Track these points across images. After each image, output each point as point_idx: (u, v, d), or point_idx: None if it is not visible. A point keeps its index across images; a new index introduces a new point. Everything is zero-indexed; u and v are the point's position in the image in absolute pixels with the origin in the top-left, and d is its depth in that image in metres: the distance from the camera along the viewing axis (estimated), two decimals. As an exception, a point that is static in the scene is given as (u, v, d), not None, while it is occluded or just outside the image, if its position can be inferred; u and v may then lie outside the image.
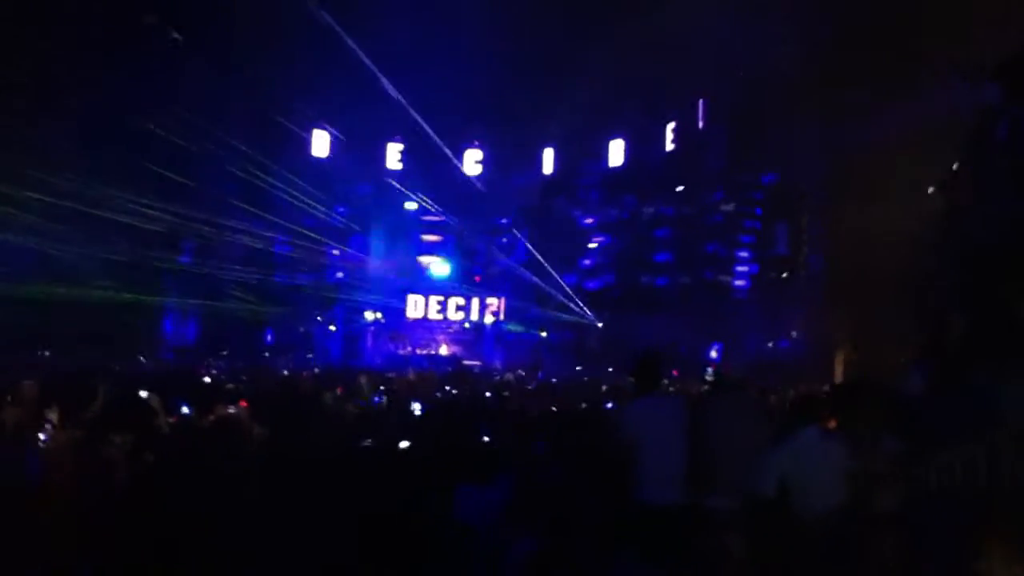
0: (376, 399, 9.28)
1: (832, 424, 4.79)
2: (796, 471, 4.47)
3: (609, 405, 9.69)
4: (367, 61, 22.45)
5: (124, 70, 19.07)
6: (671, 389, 12.96)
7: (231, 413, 5.37)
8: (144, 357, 19.56)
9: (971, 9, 12.00)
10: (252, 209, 24.49)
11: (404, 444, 5.63)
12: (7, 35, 16.43)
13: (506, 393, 12.27)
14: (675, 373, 17.93)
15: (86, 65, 18.27)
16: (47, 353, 19.09)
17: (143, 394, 6.09)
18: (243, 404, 6.04)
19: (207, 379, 12.30)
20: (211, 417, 5.50)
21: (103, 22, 18.91)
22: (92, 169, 18.69)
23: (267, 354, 26.06)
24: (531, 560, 3.86)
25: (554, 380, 18.43)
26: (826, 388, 9.49)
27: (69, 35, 18.03)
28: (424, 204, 28.08)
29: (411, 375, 15.39)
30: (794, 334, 23.96)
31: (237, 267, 24.75)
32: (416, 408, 8.50)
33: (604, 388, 13.99)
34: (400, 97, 24.68)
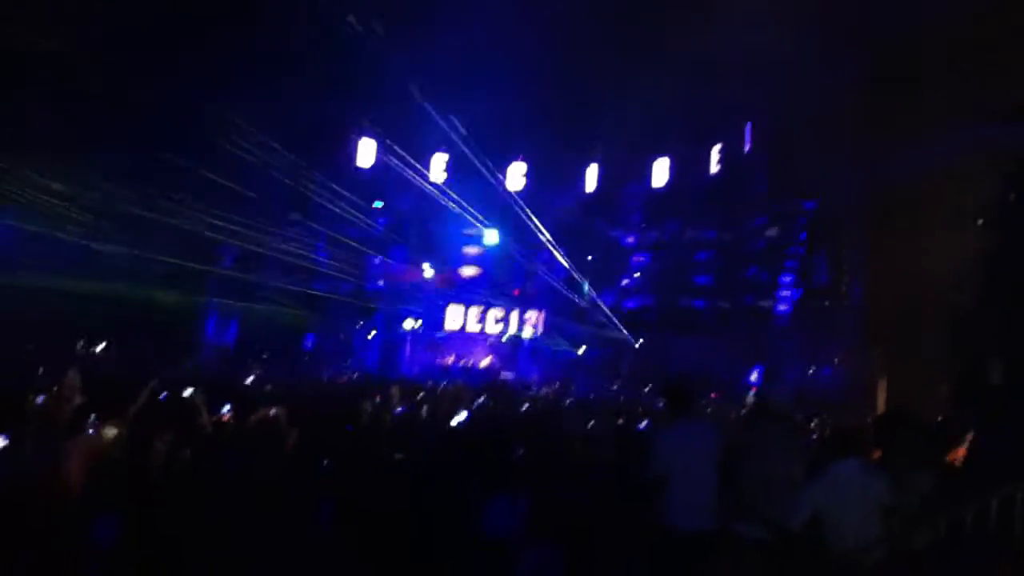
0: (400, 409, 9.28)
1: (875, 455, 4.71)
2: (831, 504, 4.41)
3: (642, 425, 9.66)
4: (415, 72, 22.70)
5: (176, 78, 19.43)
6: (708, 411, 12.86)
7: (271, 415, 5.45)
8: (186, 359, 19.88)
9: (1015, 45, 11.82)
10: (297, 215, 24.81)
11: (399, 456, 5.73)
12: (57, 45, 16.81)
13: (541, 408, 12.28)
14: (713, 395, 17.82)
15: (136, 73, 18.62)
16: (94, 350, 19.56)
17: (187, 392, 6.22)
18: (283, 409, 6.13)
19: (248, 381, 12.52)
20: (253, 418, 5.59)
21: (159, 30, 19.27)
22: (140, 174, 19.10)
23: (307, 359, 26.33)
24: (545, 566, 3.89)
25: (592, 396, 18.43)
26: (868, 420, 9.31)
27: (122, 43, 18.37)
28: (466, 216, 28.18)
29: (441, 388, 15.43)
30: (836, 362, 23.57)
31: (280, 272, 25.05)
32: (459, 417, 8.54)
33: (640, 410, 13.91)
34: (447, 109, 24.87)
